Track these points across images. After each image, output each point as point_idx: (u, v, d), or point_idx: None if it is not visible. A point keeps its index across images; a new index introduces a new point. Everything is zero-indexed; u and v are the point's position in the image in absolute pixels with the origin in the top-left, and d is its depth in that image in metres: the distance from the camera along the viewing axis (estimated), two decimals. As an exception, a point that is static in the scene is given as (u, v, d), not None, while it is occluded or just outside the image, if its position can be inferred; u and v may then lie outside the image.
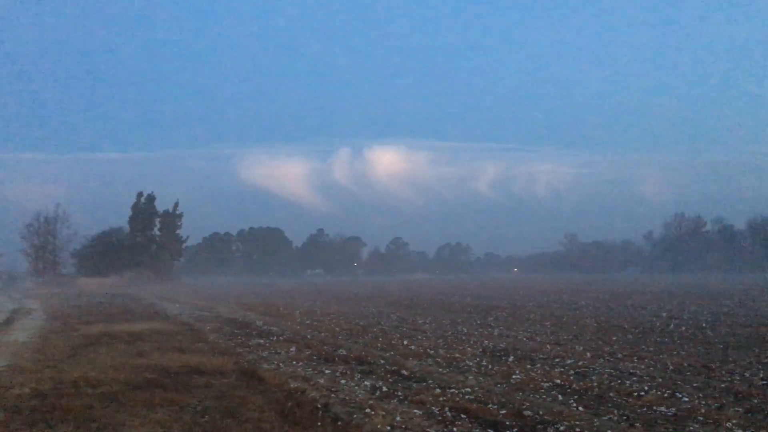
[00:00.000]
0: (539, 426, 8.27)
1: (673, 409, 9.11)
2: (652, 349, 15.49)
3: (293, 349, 16.05)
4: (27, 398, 9.97)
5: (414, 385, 11.09)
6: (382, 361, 13.64)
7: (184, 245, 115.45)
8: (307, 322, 24.12)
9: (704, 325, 21.20)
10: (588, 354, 14.63)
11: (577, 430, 8.05)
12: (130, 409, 9.16)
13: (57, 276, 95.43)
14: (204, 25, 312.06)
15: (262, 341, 17.87)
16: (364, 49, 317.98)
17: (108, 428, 8.17)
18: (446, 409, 9.16)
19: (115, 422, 8.44)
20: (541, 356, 14.27)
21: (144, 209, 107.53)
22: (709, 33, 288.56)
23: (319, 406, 9.32)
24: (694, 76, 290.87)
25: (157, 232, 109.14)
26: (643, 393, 10.14)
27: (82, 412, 8.95)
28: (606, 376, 11.77)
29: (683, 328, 20.30)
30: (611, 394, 10.10)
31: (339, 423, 8.34)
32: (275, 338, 18.56)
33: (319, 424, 8.27)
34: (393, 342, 17.13)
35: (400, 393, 10.36)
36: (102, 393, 10.26)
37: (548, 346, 16.15)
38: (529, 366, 12.91)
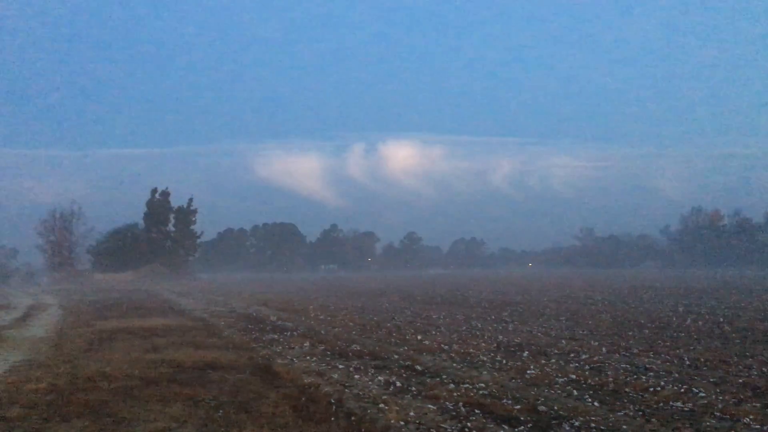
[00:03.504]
0: (554, 421, 8.22)
1: (690, 404, 9.03)
2: (668, 344, 15.36)
3: (307, 344, 16.07)
4: (43, 393, 10.05)
5: (428, 380, 11.06)
6: (395, 357, 13.62)
7: (199, 241, 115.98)
8: (321, 317, 24.14)
9: (721, 319, 20.98)
10: (603, 349, 14.52)
11: (593, 425, 7.99)
12: (145, 403, 9.21)
13: (73, 272, 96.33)
14: (218, 22, 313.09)
15: (276, 336, 17.91)
16: (378, 45, 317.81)
17: (123, 423, 8.22)
18: (460, 404, 9.12)
19: (130, 417, 8.48)
20: (556, 351, 14.19)
21: (159, 205, 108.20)
22: (727, 26, 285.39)
23: (333, 401, 9.31)
24: (711, 70, 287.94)
25: (172, 228, 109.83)
26: (659, 388, 10.05)
27: (97, 406, 9.01)
28: (622, 371, 11.68)
29: (700, 322, 20.11)
30: (627, 390, 10.02)
31: (353, 418, 8.33)
32: (289, 333, 18.60)
33: (333, 419, 8.26)
34: (407, 337, 17.11)
35: (414, 388, 10.34)
36: (117, 388, 10.32)
37: (563, 341, 16.06)
38: (543, 361, 12.84)
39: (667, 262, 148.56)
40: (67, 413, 8.67)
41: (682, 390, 9.96)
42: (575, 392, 9.94)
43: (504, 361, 12.87)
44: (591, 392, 9.93)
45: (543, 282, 63.53)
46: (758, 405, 8.97)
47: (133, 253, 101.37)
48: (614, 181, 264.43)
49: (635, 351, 14.18)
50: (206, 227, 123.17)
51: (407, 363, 12.77)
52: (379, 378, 11.25)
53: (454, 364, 12.68)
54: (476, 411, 8.75)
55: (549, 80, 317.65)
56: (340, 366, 12.61)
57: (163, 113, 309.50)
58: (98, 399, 9.47)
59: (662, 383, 10.44)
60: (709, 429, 7.88)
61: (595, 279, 71.66)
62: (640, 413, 8.60)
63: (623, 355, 13.71)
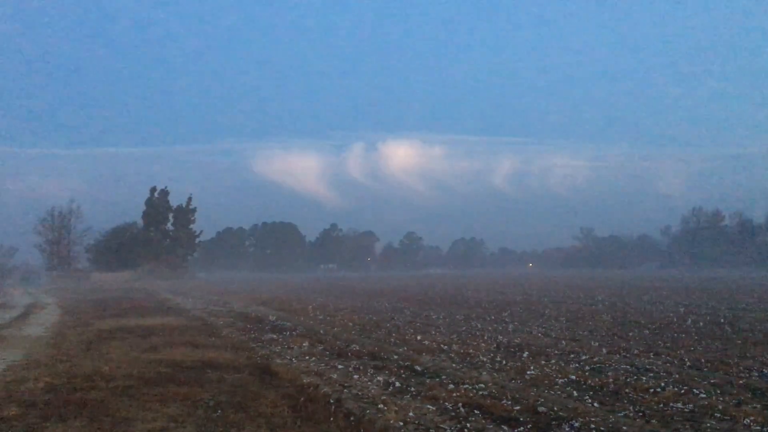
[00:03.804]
0: (554, 422, 8.18)
1: (690, 405, 9.00)
2: (668, 344, 15.33)
3: (306, 344, 16.04)
4: (41, 392, 10.02)
5: (427, 380, 11.03)
6: (395, 357, 13.59)
7: (198, 240, 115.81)
8: (320, 317, 24.12)
9: (722, 320, 20.96)
10: (603, 350, 14.49)
11: (592, 426, 7.95)
12: (143, 403, 9.17)
13: (71, 271, 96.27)
14: (217, 20, 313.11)
15: (275, 336, 17.89)
16: (378, 44, 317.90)
17: (121, 422, 8.17)
18: (460, 404, 9.09)
19: (128, 416, 8.44)
20: (556, 352, 14.16)
21: (158, 204, 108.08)
22: (728, 26, 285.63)
23: (332, 401, 9.28)
24: (711, 69, 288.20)
25: (171, 227, 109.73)
26: (659, 389, 10.02)
27: (95, 406, 8.97)
28: (622, 372, 11.65)
29: (701, 323, 20.09)
30: (627, 390, 9.99)
31: (352, 418, 8.29)
32: (288, 333, 18.57)
33: (332, 419, 8.22)
34: (406, 337, 17.07)
35: (413, 388, 10.31)
36: (115, 387, 10.29)
37: (563, 341, 16.03)
38: (543, 362, 12.81)
39: (668, 263, 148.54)
40: (65, 412, 8.62)
41: (683, 391, 9.92)
42: (575, 393, 9.91)
43: (504, 362, 12.84)
44: (591, 393, 9.90)
45: (543, 282, 63.52)
46: (758, 406, 8.95)
47: (132, 252, 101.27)
48: (614, 181, 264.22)
49: (635, 352, 14.15)
50: (205, 226, 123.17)
51: (406, 363, 12.74)
52: (378, 378, 11.22)
53: (454, 365, 12.64)
54: (476, 411, 8.72)
55: (549, 80, 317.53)
56: (339, 366, 12.58)
57: (162, 112, 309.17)
58: (96, 398, 9.44)
59: (662, 384, 10.41)
60: (709, 430, 7.85)
61: (595, 279, 71.66)
62: (641, 414, 8.57)
63: (623, 355, 13.68)
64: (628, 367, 12.18)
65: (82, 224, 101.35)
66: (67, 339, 17.37)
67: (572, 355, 13.62)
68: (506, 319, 22.33)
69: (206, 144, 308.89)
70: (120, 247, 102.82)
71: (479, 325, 20.20)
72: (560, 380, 10.86)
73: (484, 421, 8.27)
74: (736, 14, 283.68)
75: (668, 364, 12.45)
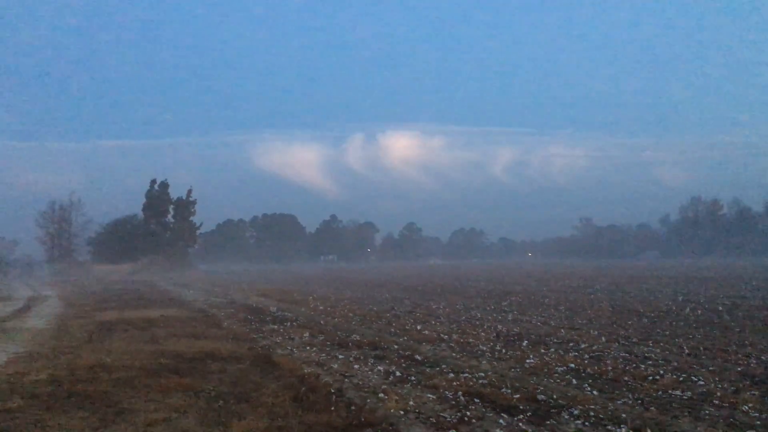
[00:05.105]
0: (553, 410, 8.24)
1: (689, 392, 9.06)
2: (667, 332, 15.39)
3: (307, 334, 16.09)
4: (43, 384, 10.06)
5: (427, 369, 11.08)
6: (395, 346, 13.64)
7: (198, 232, 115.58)
8: (321, 307, 24.17)
9: (721, 308, 21.03)
10: (602, 338, 14.55)
11: (592, 414, 8.01)
12: (145, 394, 9.22)
13: (72, 263, 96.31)
14: (217, 12, 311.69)
15: (276, 327, 17.94)
16: (378, 34, 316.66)
17: (123, 413, 8.23)
18: (460, 393, 9.14)
19: (130, 407, 8.49)
20: (555, 340, 14.22)
21: (158, 196, 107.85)
22: (726, 15, 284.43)
23: (333, 391, 9.33)
24: (709, 59, 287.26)
25: (171, 219, 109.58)
26: (658, 377, 10.07)
27: (98, 397, 9.02)
28: (621, 360, 11.71)
29: (699, 311, 20.15)
30: (626, 378, 10.05)
31: (353, 408, 8.34)
32: (289, 324, 18.63)
33: (333, 408, 8.28)
34: (406, 327, 17.13)
35: (413, 378, 10.36)
36: (117, 379, 10.33)
37: (562, 330, 16.09)
38: (543, 350, 12.87)
39: (667, 252, 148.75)
40: (68, 404, 8.68)
41: (681, 378, 9.98)
42: (574, 381, 9.97)
43: (503, 351, 12.90)
44: (590, 381, 9.96)
45: (542, 272, 63.60)
46: (757, 393, 9.01)
47: (133, 245, 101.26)
48: (613, 170, 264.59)
49: (634, 340, 14.21)
50: (206, 218, 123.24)
51: (407, 353, 12.80)
52: (379, 368, 11.28)
53: (454, 354, 12.70)
54: (476, 400, 8.77)
55: (548, 70, 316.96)
56: (340, 356, 12.64)
57: (161, 104, 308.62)
58: (99, 390, 9.48)
59: (661, 372, 10.47)
60: (707, 417, 7.90)
61: (595, 269, 71.73)
62: (639, 401, 8.63)
63: (622, 344, 13.75)
64: (626, 355, 12.24)
65: (83, 217, 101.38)
66: (68, 331, 17.42)
67: (571, 344, 13.69)
68: (506, 309, 22.40)
69: (206, 136, 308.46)
70: (121, 240, 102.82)
71: (479, 315, 20.26)
72: (559, 368, 10.92)
73: (484, 410, 8.32)
74: (736, 6, 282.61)
75: (667, 352, 12.51)
